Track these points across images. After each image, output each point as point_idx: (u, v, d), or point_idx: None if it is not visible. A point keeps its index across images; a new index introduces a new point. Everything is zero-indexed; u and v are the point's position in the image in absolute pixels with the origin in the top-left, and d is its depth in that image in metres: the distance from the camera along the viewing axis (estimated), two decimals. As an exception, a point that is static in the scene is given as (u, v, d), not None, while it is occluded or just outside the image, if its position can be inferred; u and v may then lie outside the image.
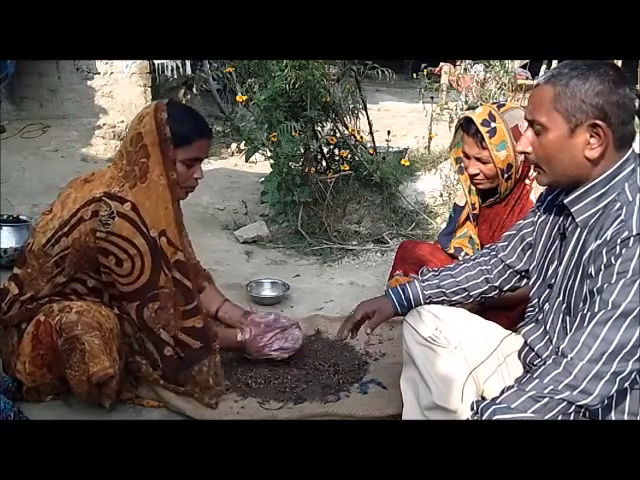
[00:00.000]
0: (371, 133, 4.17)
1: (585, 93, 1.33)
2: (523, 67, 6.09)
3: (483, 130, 2.05)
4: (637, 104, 1.36)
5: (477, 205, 2.27)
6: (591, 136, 1.35)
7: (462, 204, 2.34)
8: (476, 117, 2.08)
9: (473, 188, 2.25)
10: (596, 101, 1.32)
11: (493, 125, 2.06)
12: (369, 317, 1.84)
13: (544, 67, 6.17)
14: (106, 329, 1.87)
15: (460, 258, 2.20)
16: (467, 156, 2.14)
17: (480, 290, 1.77)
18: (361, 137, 4.03)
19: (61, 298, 1.96)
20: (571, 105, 1.34)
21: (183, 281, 2.00)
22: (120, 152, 2.00)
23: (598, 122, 1.33)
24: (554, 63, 5.71)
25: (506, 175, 2.10)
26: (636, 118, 1.39)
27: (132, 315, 1.95)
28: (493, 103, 2.20)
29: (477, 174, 2.12)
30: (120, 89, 5.73)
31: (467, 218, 2.31)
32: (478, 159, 2.10)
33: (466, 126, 2.12)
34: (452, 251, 2.31)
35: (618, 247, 1.28)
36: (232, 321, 2.29)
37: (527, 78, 6.31)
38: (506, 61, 4.87)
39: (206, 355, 2.01)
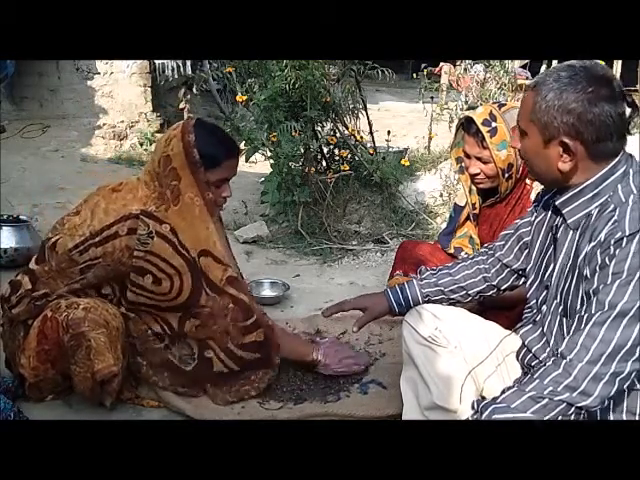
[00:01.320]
0: (371, 133, 4.17)
1: (557, 110, 1.33)
2: (523, 67, 6.10)
3: (484, 130, 2.05)
4: (627, 114, 1.34)
5: (477, 205, 2.27)
6: (563, 151, 1.36)
7: (462, 204, 2.34)
8: (477, 117, 2.08)
9: (474, 188, 2.24)
10: (567, 119, 1.32)
11: (494, 125, 2.06)
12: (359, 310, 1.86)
13: (544, 67, 6.17)
14: (112, 327, 1.87)
15: (460, 257, 2.20)
16: (468, 156, 2.14)
17: (478, 289, 1.77)
18: (361, 137, 4.03)
19: (70, 295, 1.96)
20: (544, 119, 1.35)
21: (239, 296, 1.98)
22: (149, 173, 1.97)
23: (566, 141, 1.33)
24: (554, 63, 5.71)
25: (507, 175, 2.10)
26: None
27: (174, 325, 1.96)
28: (494, 103, 2.20)
29: (478, 174, 2.12)
30: (120, 89, 5.73)
31: (467, 218, 2.31)
32: (479, 159, 2.10)
33: (467, 126, 2.11)
34: (452, 251, 2.31)
35: (612, 248, 1.29)
36: None
37: (527, 78, 6.31)
38: (506, 61, 4.87)
39: (263, 367, 2.01)
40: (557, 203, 1.44)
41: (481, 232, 2.29)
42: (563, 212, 1.43)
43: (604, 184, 1.36)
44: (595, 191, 1.37)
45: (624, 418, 1.38)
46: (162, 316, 1.97)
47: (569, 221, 1.42)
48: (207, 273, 1.95)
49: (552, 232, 1.51)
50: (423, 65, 5.71)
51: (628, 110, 1.35)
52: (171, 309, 1.95)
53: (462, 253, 2.26)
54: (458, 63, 6.21)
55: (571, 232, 1.42)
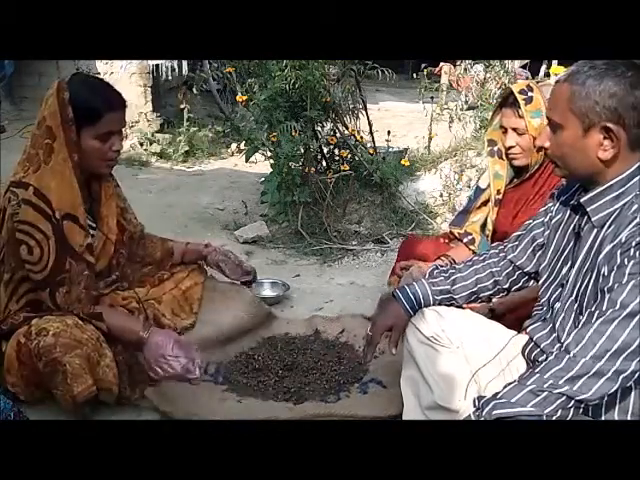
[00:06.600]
0: (371, 133, 4.17)
1: (599, 94, 1.32)
2: (523, 67, 6.08)
3: (520, 97, 2.11)
4: None
5: (502, 190, 2.29)
6: (604, 138, 1.34)
7: (484, 186, 2.36)
8: (515, 87, 2.16)
9: (500, 173, 2.27)
10: (609, 103, 1.31)
11: (530, 94, 2.12)
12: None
13: (544, 67, 6.17)
14: (88, 344, 1.82)
15: (465, 240, 2.32)
16: (505, 130, 2.19)
17: (488, 292, 1.75)
18: (361, 137, 4.03)
19: (35, 314, 1.90)
20: (585, 106, 1.33)
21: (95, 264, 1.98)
22: (30, 137, 1.94)
23: (610, 125, 1.32)
24: (554, 63, 5.71)
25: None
26: None
27: (49, 304, 1.89)
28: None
29: (513, 146, 2.17)
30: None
31: (485, 202, 2.34)
32: (515, 130, 2.15)
33: (506, 99, 2.18)
34: (462, 232, 2.36)
35: (632, 249, 1.28)
36: (198, 254, 2.47)
37: (527, 78, 6.31)
38: (506, 61, 4.87)
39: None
40: (582, 201, 1.42)
41: (500, 216, 2.29)
42: (588, 210, 1.41)
43: (631, 182, 1.36)
44: (622, 189, 1.36)
45: (629, 418, 1.37)
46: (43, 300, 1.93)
47: (594, 219, 1.40)
48: (68, 237, 1.90)
49: (574, 231, 1.49)
50: (423, 65, 5.70)
51: None
52: (44, 284, 1.88)
53: (469, 237, 2.33)
54: (458, 63, 6.21)
55: (595, 231, 1.41)
